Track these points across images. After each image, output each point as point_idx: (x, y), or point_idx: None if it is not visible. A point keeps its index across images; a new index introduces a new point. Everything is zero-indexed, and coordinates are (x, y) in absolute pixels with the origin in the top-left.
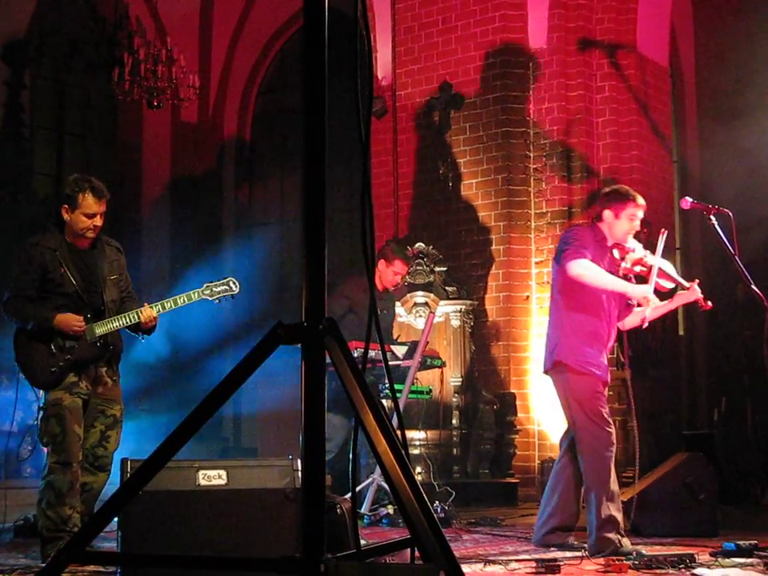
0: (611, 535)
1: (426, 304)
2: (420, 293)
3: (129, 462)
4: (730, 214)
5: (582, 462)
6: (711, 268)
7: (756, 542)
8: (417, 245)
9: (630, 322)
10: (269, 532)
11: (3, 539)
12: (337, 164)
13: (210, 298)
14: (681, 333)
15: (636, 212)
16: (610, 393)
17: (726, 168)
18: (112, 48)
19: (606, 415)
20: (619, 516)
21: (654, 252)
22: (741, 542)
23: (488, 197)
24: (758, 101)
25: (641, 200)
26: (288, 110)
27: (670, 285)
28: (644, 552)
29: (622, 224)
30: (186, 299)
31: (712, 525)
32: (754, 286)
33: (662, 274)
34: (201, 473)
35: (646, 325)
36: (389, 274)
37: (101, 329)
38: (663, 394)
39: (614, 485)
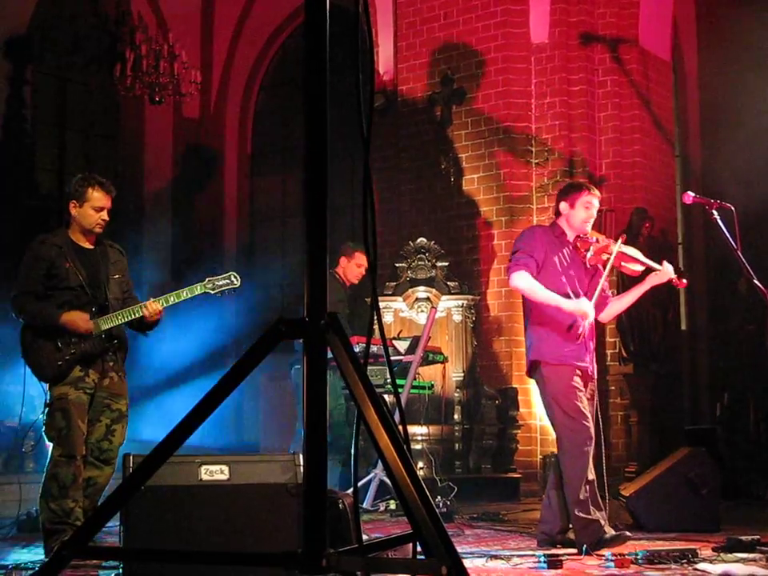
0: (591, 516)
1: (428, 299)
2: (422, 288)
3: (131, 457)
4: (732, 208)
5: (561, 457)
6: (713, 263)
7: (758, 537)
8: (418, 240)
9: (608, 314)
10: (270, 527)
11: (6, 534)
12: (338, 159)
13: (212, 292)
14: (683, 328)
15: (591, 200)
16: (612, 387)
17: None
18: (114, 44)
19: (582, 409)
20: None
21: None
22: (743, 537)
23: (490, 191)
24: (761, 94)
25: (595, 190)
26: (289, 105)
27: (639, 268)
28: (628, 534)
29: (578, 212)
30: (188, 293)
31: (714, 520)
32: (756, 281)
33: (629, 258)
34: (203, 468)
35: (580, 330)
36: (353, 268)
37: (106, 324)
38: (665, 389)
39: (590, 474)
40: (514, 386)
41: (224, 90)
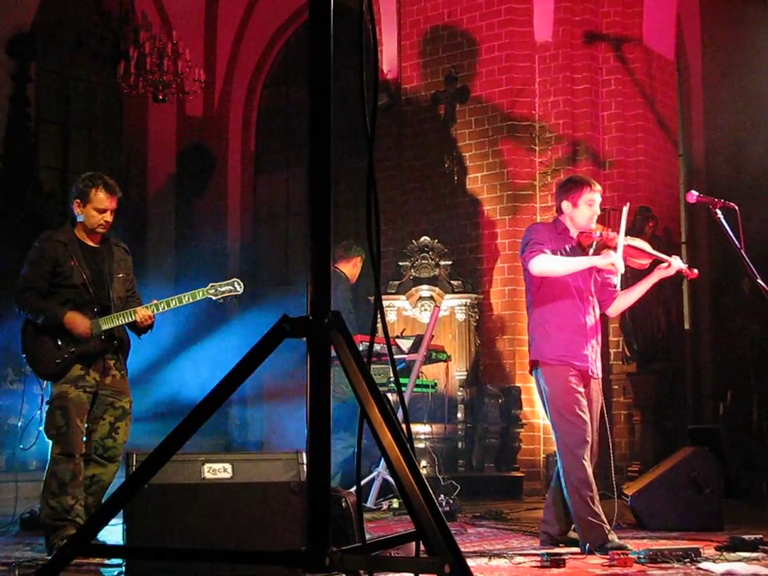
0: (595, 520)
1: (431, 298)
2: (425, 286)
3: (134, 455)
4: (736, 207)
5: (558, 458)
6: (717, 262)
7: (761, 536)
8: (422, 238)
9: (616, 308)
10: (274, 525)
11: (9, 532)
12: (342, 157)
13: (215, 298)
14: (686, 326)
15: (593, 197)
16: (615, 386)
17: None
18: (118, 42)
19: (578, 411)
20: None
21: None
22: (746, 536)
23: (493, 190)
24: (766, 93)
25: (597, 185)
26: (293, 103)
27: (646, 261)
28: (629, 546)
29: (582, 211)
30: (190, 297)
31: (717, 519)
32: (759, 280)
33: (636, 251)
34: (206, 466)
35: (617, 286)
36: (350, 268)
37: (106, 324)
38: (668, 388)
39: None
40: (517, 384)
41: (227, 89)
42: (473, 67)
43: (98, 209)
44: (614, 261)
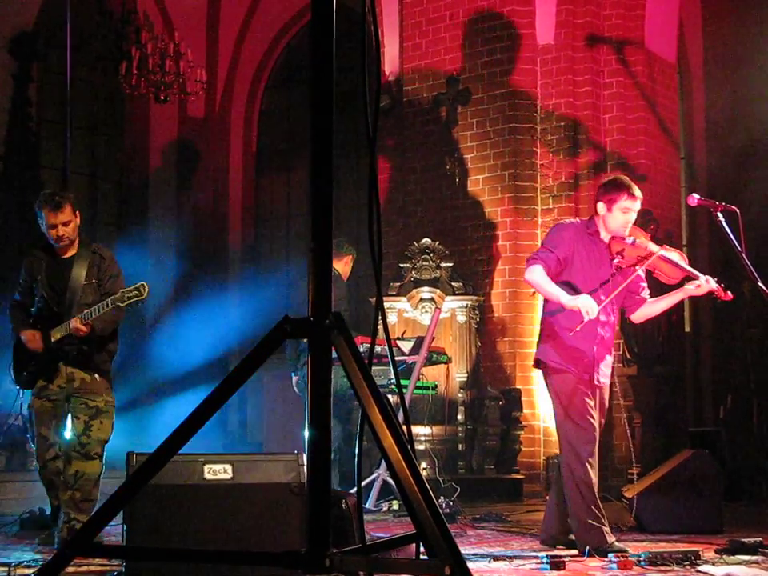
0: (595, 522)
1: (432, 299)
2: (426, 288)
3: (134, 456)
4: (737, 210)
5: (561, 457)
6: (718, 265)
7: (761, 539)
8: (423, 240)
9: (641, 315)
10: (274, 526)
11: (9, 531)
12: (344, 159)
13: (122, 305)
14: (687, 330)
15: (630, 205)
16: (615, 390)
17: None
18: (120, 42)
19: (587, 414)
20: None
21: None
22: (746, 539)
23: (495, 192)
24: (767, 97)
25: (636, 191)
26: (295, 104)
27: (677, 275)
28: (628, 549)
29: (615, 217)
30: (104, 307)
31: (717, 522)
32: (760, 283)
33: (669, 263)
34: (206, 467)
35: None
36: (342, 266)
37: (58, 333)
38: (669, 391)
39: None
40: (518, 386)
41: (229, 89)
42: (474, 69)
43: (48, 225)
44: (580, 304)
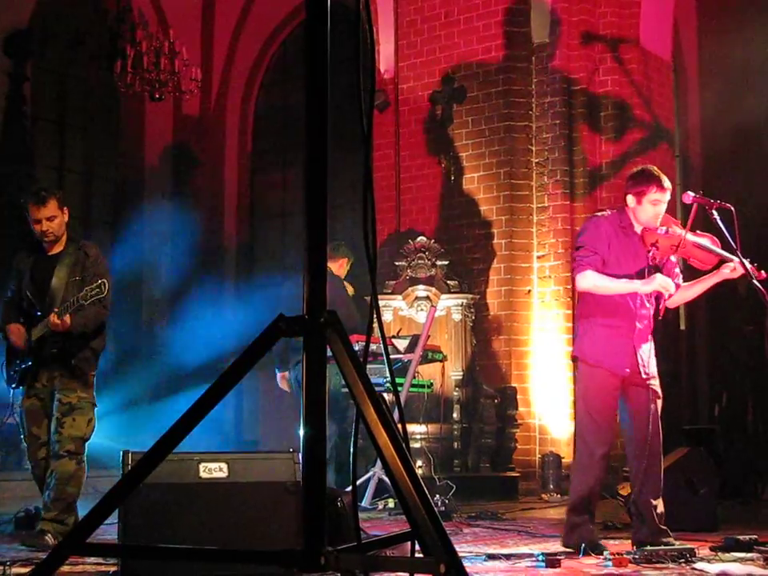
0: (578, 519)
1: (428, 298)
2: (421, 287)
3: (130, 454)
4: (732, 208)
5: (573, 453)
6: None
7: (756, 536)
8: (418, 239)
9: (674, 300)
10: (269, 525)
11: (4, 531)
12: (339, 157)
13: (86, 303)
14: (682, 327)
15: (659, 196)
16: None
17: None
18: (114, 40)
19: (607, 414)
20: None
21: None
22: (741, 537)
23: (490, 191)
24: (762, 94)
25: (666, 182)
26: (290, 103)
27: (711, 260)
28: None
29: (646, 209)
30: (71, 304)
31: (712, 519)
32: (755, 281)
33: (701, 248)
34: (202, 465)
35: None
36: (337, 268)
37: (38, 332)
38: (664, 388)
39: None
40: (513, 385)
41: (224, 88)
42: (469, 67)
43: (32, 220)
44: (658, 285)
